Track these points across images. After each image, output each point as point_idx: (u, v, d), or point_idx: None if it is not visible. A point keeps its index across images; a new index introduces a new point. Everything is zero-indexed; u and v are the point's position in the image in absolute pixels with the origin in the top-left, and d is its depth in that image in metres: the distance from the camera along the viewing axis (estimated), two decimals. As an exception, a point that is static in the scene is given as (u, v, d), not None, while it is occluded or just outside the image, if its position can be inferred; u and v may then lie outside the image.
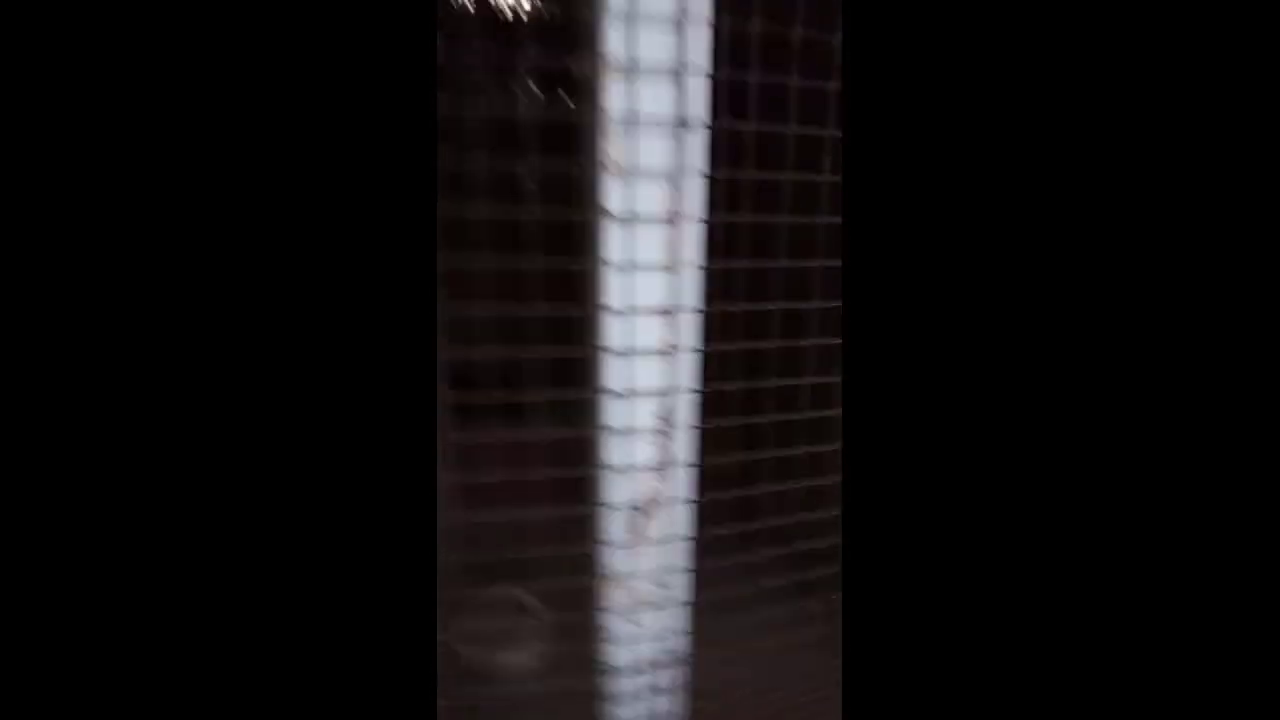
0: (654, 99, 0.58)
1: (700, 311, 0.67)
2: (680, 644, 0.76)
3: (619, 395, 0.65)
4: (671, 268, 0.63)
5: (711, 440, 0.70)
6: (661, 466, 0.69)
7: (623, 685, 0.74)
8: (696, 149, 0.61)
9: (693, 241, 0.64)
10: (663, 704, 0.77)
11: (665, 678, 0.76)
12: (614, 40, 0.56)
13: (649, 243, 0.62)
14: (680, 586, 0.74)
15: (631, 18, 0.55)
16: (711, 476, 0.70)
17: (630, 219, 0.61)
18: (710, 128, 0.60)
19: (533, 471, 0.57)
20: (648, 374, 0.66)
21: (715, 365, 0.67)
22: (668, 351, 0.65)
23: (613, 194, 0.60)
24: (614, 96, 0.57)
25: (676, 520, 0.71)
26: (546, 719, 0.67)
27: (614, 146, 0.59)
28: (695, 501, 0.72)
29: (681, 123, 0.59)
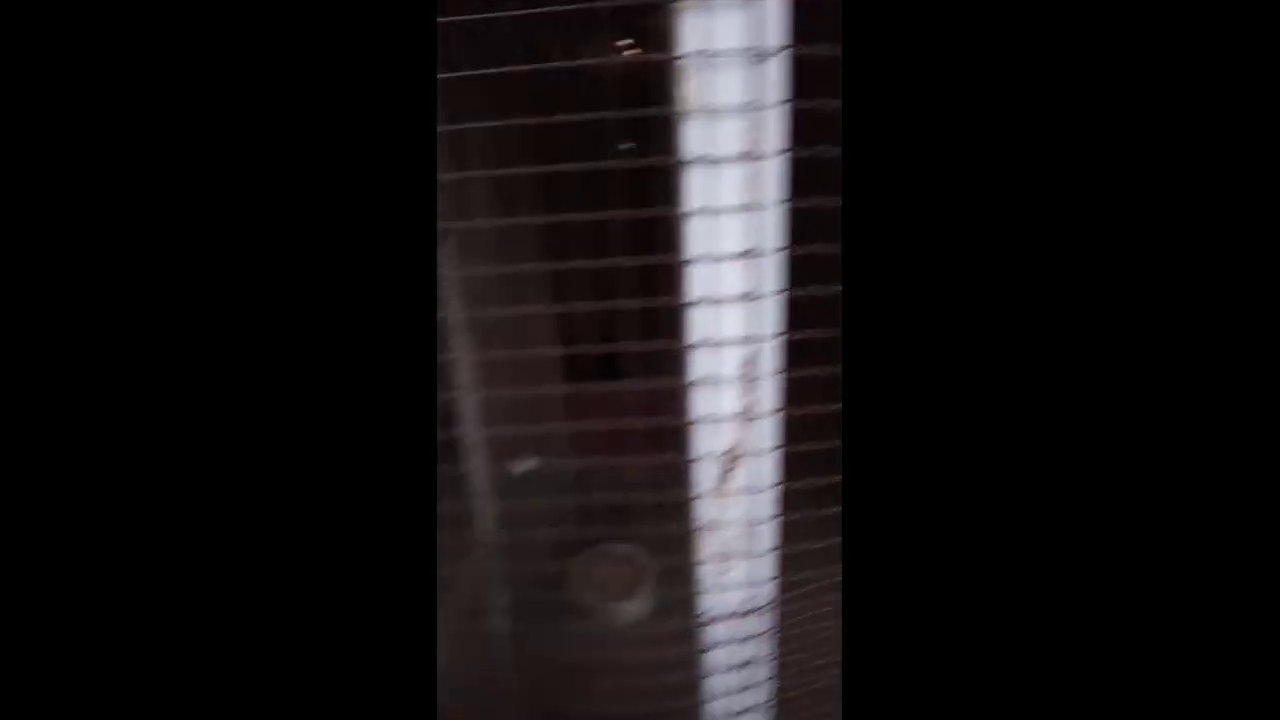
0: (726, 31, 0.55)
1: (784, 252, 0.64)
2: (769, 592, 0.76)
3: (705, 345, 0.64)
4: (752, 208, 0.61)
5: (798, 388, 0.68)
6: (746, 416, 0.68)
7: (716, 632, 0.75)
8: (774, 79, 0.58)
9: (774, 179, 0.61)
10: (753, 650, 0.78)
11: (755, 625, 0.77)
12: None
13: (730, 184, 0.60)
14: (768, 535, 0.74)
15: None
16: (798, 425, 0.68)
17: (709, 161, 0.58)
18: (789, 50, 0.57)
19: (628, 422, 0.57)
20: (732, 322, 0.64)
21: (801, 312, 0.65)
22: (750, 298, 0.64)
23: (691, 135, 0.58)
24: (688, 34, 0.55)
25: (764, 470, 0.71)
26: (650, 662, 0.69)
27: (690, 85, 0.56)
28: (781, 449, 0.71)
29: (758, 53, 0.56)
